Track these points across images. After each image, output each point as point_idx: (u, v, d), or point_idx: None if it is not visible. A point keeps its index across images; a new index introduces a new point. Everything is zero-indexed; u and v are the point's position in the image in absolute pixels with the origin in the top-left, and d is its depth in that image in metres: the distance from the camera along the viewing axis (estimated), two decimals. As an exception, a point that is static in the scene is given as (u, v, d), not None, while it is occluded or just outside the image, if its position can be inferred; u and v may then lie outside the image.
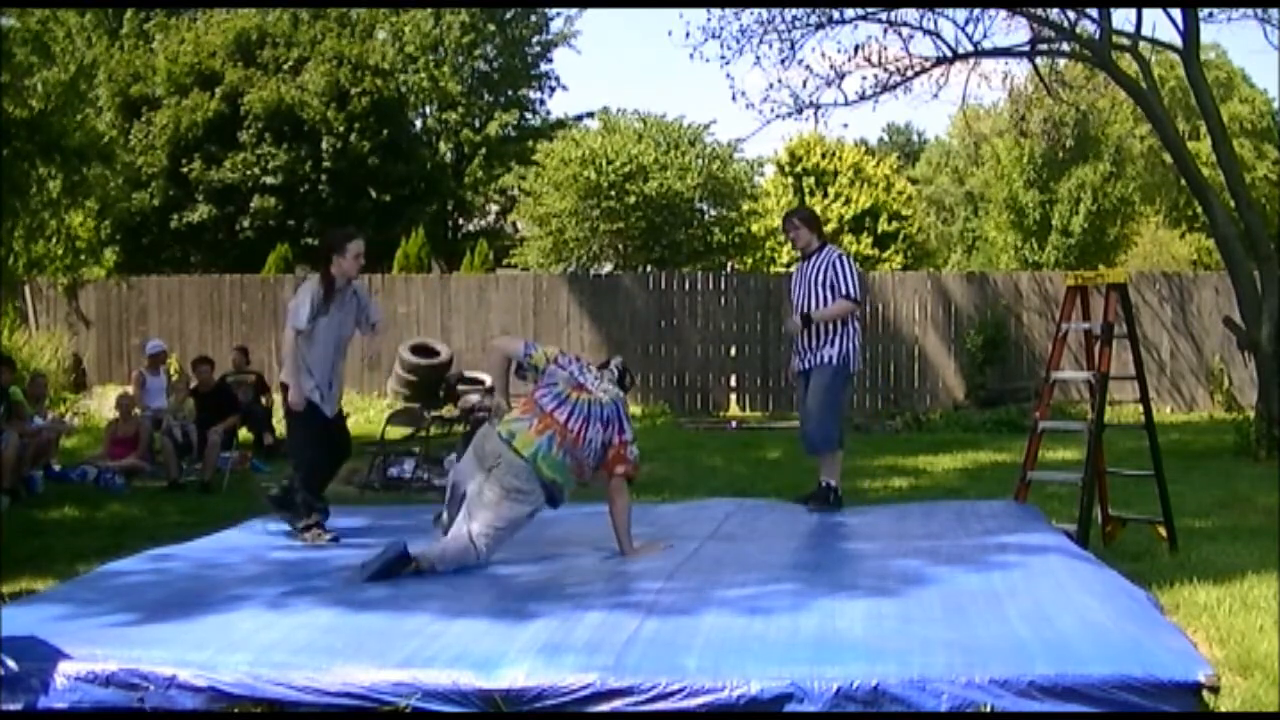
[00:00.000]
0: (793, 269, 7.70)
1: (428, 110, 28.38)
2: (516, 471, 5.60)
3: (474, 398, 13.09)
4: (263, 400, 12.51)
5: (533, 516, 5.75)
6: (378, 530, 6.89)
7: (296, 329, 6.60)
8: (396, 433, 11.23)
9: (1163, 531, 6.65)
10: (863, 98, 14.01)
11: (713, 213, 24.01)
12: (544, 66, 29.54)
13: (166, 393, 12.31)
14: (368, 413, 15.35)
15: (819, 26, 13.48)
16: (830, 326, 7.29)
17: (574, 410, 5.75)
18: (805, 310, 7.31)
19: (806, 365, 7.38)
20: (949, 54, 13.38)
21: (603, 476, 5.91)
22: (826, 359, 7.30)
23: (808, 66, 13.95)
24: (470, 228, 28.95)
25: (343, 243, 6.71)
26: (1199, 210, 19.73)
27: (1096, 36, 12.44)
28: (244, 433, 11.82)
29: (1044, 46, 13.79)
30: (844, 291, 7.30)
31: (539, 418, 5.71)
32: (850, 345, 7.34)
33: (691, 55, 14.73)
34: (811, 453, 7.52)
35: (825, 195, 28.90)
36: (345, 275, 6.68)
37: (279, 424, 12.52)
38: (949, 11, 13.19)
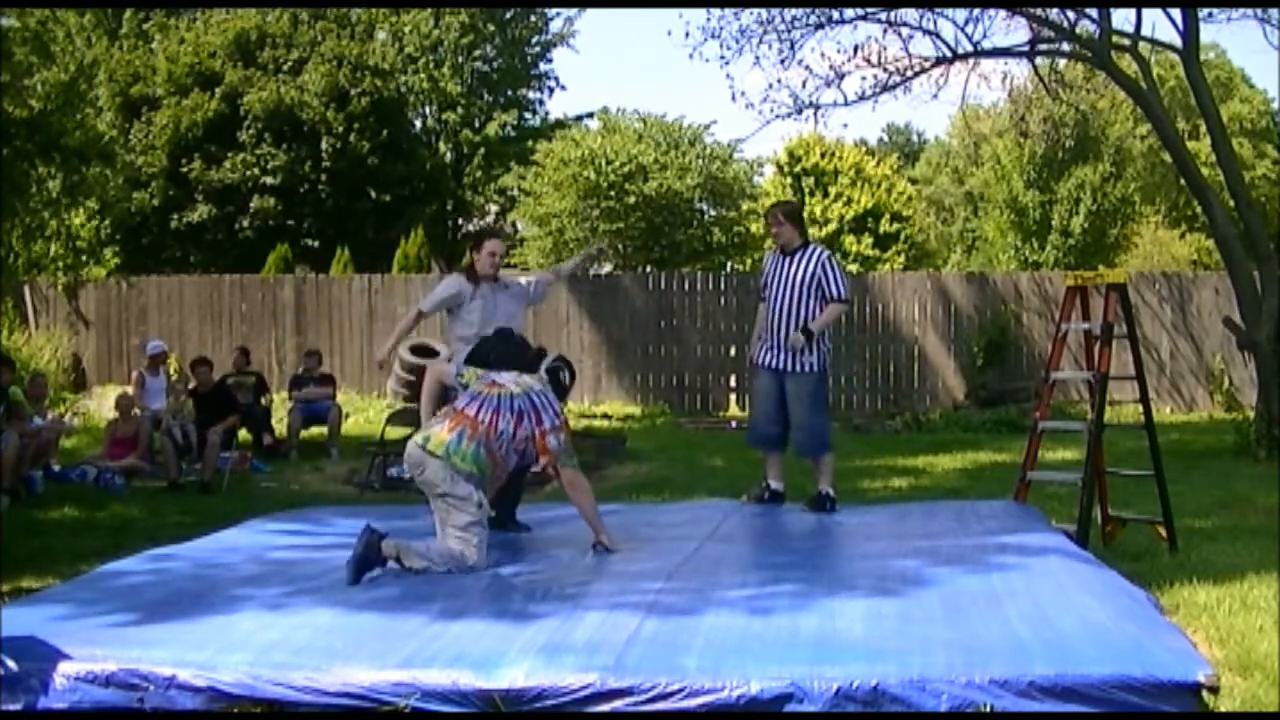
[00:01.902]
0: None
1: (427, 111, 28.38)
2: (439, 476, 5.67)
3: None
4: (262, 400, 12.51)
5: (482, 508, 5.70)
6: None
7: (419, 310, 7.43)
8: (396, 433, 11.22)
9: (1163, 531, 6.65)
10: (862, 98, 14.02)
11: (712, 213, 24.02)
12: (543, 67, 29.56)
13: (166, 393, 12.32)
14: (367, 413, 15.35)
15: (819, 26, 13.49)
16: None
17: (483, 404, 5.81)
18: (794, 316, 7.20)
19: (779, 366, 7.31)
20: (949, 54, 13.39)
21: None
22: (808, 366, 7.24)
23: (807, 67, 13.97)
24: (470, 228, 28.95)
25: (480, 240, 7.41)
26: (1199, 210, 19.75)
27: (1096, 36, 12.44)
28: (243, 433, 11.83)
29: (1044, 46, 13.79)
30: (835, 294, 7.22)
31: (450, 417, 5.84)
32: (828, 346, 7.33)
33: (691, 55, 14.74)
34: (803, 457, 7.50)
35: (825, 195, 28.92)
36: (482, 270, 7.19)
37: (279, 424, 12.55)
38: (949, 11, 13.20)
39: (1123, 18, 13.37)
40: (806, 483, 7.72)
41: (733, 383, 17.36)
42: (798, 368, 7.25)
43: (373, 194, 23.30)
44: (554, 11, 28.81)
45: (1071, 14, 12.72)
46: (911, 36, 13.52)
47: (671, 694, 3.78)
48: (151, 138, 22.13)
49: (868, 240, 28.29)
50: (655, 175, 21.94)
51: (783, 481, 7.55)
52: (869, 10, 13.34)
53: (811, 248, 7.38)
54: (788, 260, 7.32)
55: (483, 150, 27.57)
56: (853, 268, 26.03)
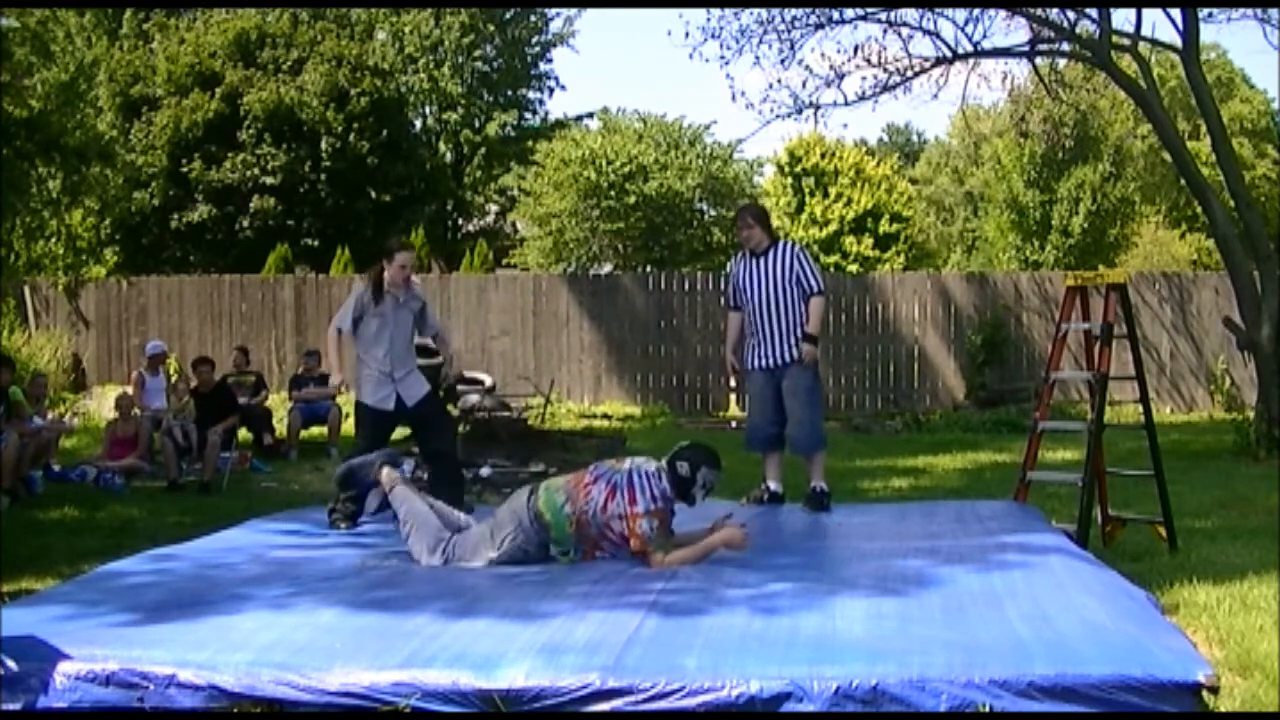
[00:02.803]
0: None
1: (427, 111, 28.39)
2: (514, 505, 5.77)
3: (474, 398, 13.13)
4: (257, 397, 12.48)
5: (486, 564, 5.65)
6: (379, 530, 6.89)
7: (339, 329, 7.27)
8: (396, 433, 11.22)
9: (1163, 531, 6.65)
10: (862, 98, 14.04)
11: (712, 213, 24.04)
12: (543, 67, 29.59)
13: (166, 393, 12.31)
14: (368, 413, 15.33)
15: (819, 26, 13.50)
16: (801, 324, 7.28)
17: (593, 470, 5.80)
18: (782, 312, 7.23)
19: (774, 364, 7.33)
20: (949, 54, 13.40)
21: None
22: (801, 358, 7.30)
23: (807, 67, 14.01)
24: (470, 228, 28.99)
25: (391, 252, 7.31)
26: (1199, 210, 19.77)
27: (1096, 36, 12.44)
28: (243, 433, 11.82)
29: (1044, 46, 13.80)
30: (814, 287, 7.30)
31: (576, 474, 5.88)
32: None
33: (691, 55, 14.79)
34: (799, 453, 7.49)
35: (825, 196, 28.91)
36: (391, 281, 7.17)
37: (279, 424, 12.54)
38: (949, 11, 13.21)
39: (1123, 18, 13.40)
40: (806, 482, 7.72)
41: (732, 383, 17.35)
42: (786, 360, 7.28)
43: (372, 194, 23.30)
44: (554, 11, 28.87)
45: (1071, 14, 12.72)
46: (911, 36, 13.55)
47: (671, 693, 3.78)
48: (151, 138, 22.13)
49: (868, 241, 28.29)
50: (655, 175, 21.96)
51: (782, 483, 7.56)
52: (869, 10, 13.36)
53: (781, 245, 7.48)
54: (760, 261, 7.38)
55: (483, 150, 27.58)
56: (852, 268, 26.03)
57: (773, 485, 7.54)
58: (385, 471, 5.99)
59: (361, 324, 7.19)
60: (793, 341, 7.29)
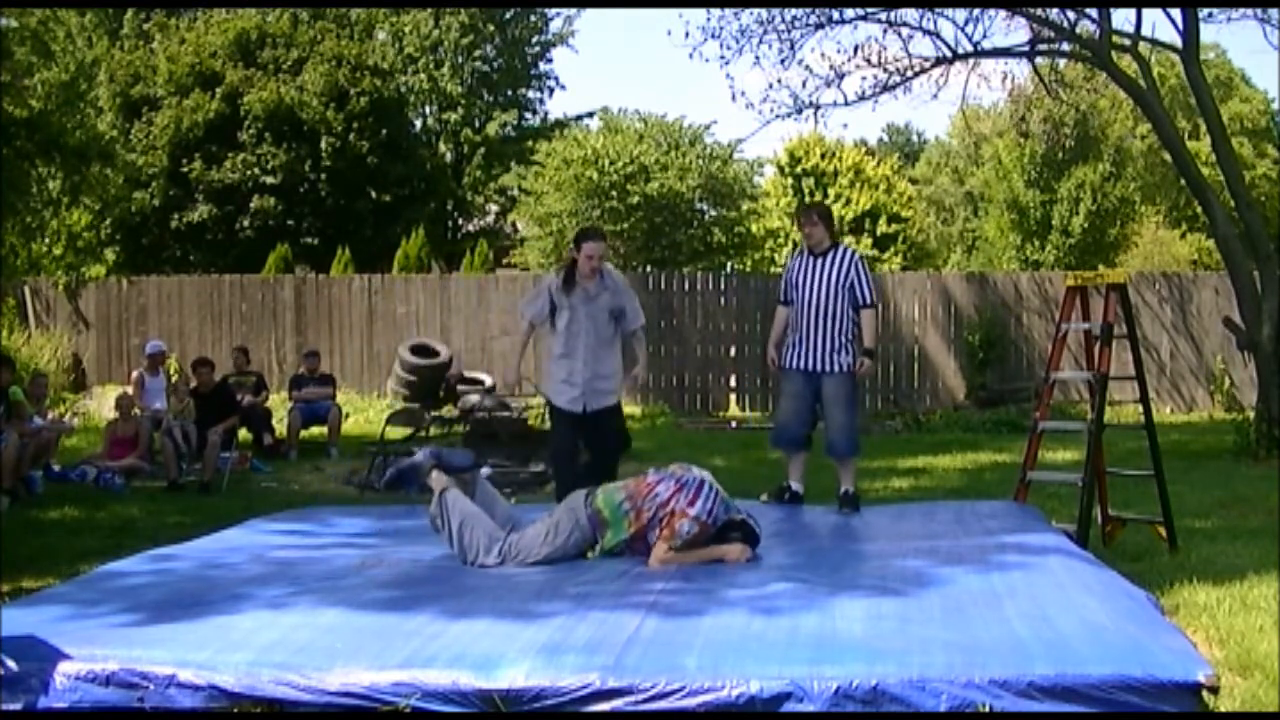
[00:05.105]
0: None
1: (427, 110, 28.39)
2: (570, 500, 5.86)
3: (474, 398, 13.12)
4: (256, 397, 12.47)
5: (540, 560, 5.71)
6: (378, 531, 6.89)
7: (530, 321, 7.30)
8: (396, 433, 11.23)
9: (1163, 531, 6.65)
10: (862, 98, 14.03)
11: (713, 213, 24.03)
12: (543, 67, 29.60)
13: (166, 394, 12.31)
14: (367, 413, 15.35)
15: (819, 26, 13.50)
16: (846, 331, 7.28)
17: (655, 472, 5.88)
18: (829, 317, 7.23)
19: (814, 368, 7.33)
20: (949, 54, 13.39)
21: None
22: (843, 366, 7.28)
23: (807, 67, 14.00)
24: (470, 228, 28.98)
25: (579, 240, 7.09)
26: (1199, 210, 19.76)
27: (1096, 36, 12.44)
28: (243, 433, 11.83)
29: (1044, 46, 13.80)
30: (867, 300, 7.30)
31: (633, 480, 5.92)
32: (856, 346, 7.36)
33: (691, 55, 14.80)
34: (836, 457, 7.47)
35: (825, 196, 28.92)
36: (580, 273, 6.98)
37: (279, 424, 12.54)
38: (949, 11, 13.20)
39: (1123, 18, 13.40)
40: (808, 483, 7.72)
41: (733, 383, 17.36)
42: (834, 368, 7.28)
43: (372, 194, 23.30)
44: (554, 11, 28.87)
45: (1071, 14, 12.72)
46: (911, 36, 13.54)
47: (671, 693, 3.78)
48: (152, 138, 22.12)
49: (867, 241, 28.31)
50: (656, 175, 21.95)
51: (803, 483, 7.57)
52: (869, 10, 13.35)
53: (841, 249, 7.45)
54: (818, 261, 7.35)
55: (483, 150, 27.58)
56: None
57: (795, 485, 7.56)
58: (435, 475, 5.95)
59: (554, 317, 7.06)
60: (833, 349, 7.27)
